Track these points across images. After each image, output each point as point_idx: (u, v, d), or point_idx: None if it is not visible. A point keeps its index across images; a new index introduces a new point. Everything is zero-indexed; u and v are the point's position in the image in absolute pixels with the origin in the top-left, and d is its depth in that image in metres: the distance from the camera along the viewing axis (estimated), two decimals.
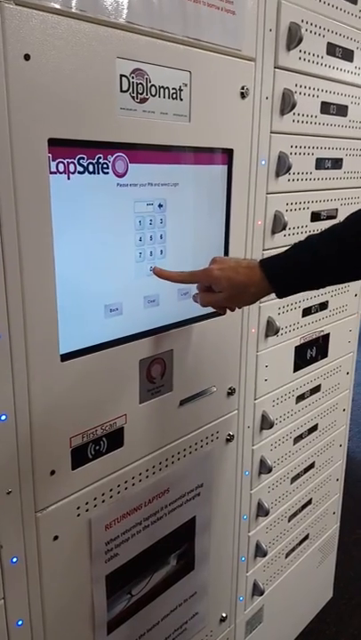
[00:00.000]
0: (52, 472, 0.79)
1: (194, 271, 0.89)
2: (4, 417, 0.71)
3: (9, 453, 0.73)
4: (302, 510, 1.45)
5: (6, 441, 0.72)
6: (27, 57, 0.64)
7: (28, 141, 0.66)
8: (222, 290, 0.85)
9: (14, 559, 0.77)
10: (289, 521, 1.40)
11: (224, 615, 1.25)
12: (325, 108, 1.14)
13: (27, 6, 0.63)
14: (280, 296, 0.85)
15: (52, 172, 0.70)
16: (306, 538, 1.50)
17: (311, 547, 1.54)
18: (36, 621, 0.82)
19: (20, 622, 0.80)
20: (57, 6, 0.66)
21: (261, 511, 1.26)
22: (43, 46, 0.65)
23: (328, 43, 1.10)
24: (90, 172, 0.76)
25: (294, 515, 1.42)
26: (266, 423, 1.21)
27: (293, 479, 1.38)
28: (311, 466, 1.44)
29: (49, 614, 0.83)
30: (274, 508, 1.32)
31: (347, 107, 1.21)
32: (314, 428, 1.41)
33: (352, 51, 1.18)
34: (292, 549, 1.45)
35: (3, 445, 0.72)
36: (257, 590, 1.33)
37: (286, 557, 1.44)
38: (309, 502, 1.47)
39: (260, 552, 1.29)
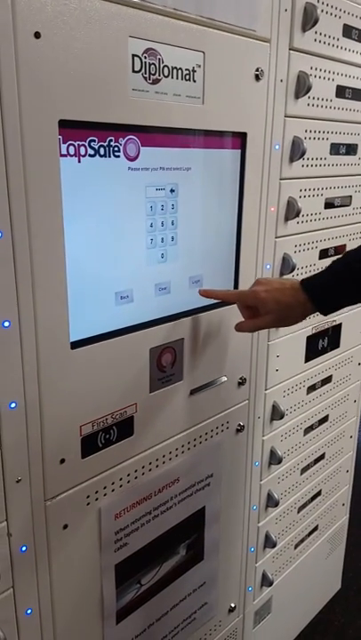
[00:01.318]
0: (62, 460, 0.78)
1: (240, 291, 0.93)
2: (13, 404, 0.70)
3: (19, 441, 0.72)
4: (312, 501, 1.44)
5: (16, 429, 0.71)
6: (37, 35, 0.62)
7: (38, 123, 0.64)
8: (269, 312, 0.85)
9: (23, 548, 0.76)
10: (298, 512, 1.39)
11: (233, 605, 1.24)
12: (341, 91, 1.11)
13: None
14: (324, 313, 0.85)
15: (62, 155, 0.68)
16: (315, 529, 1.49)
17: (320, 538, 1.53)
18: (45, 610, 0.81)
19: (29, 611, 0.79)
20: None
21: (271, 502, 1.25)
22: (54, 24, 0.63)
23: (344, 24, 1.07)
24: (101, 156, 0.74)
25: (304, 506, 1.41)
26: (276, 414, 1.19)
27: (303, 470, 1.36)
28: (321, 457, 1.42)
29: (58, 603, 0.83)
30: (284, 499, 1.31)
31: None
32: (324, 419, 1.39)
33: None
34: (302, 540, 1.44)
35: (12, 433, 0.71)
36: (266, 581, 1.32)
37: (295, 548, 1.43)
38: (319, 493, 1.46)
39: (269, 543, 1.29)
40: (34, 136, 0.64)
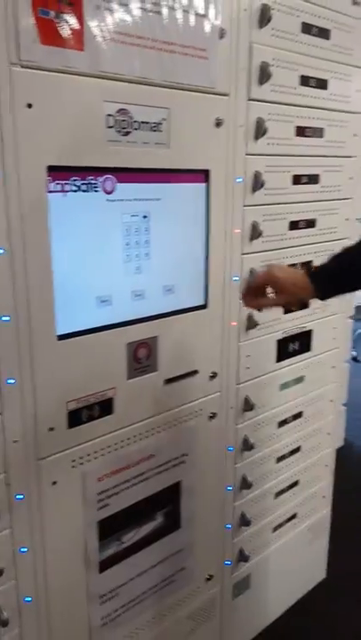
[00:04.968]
0: (51, 429, 0.99)
1: (258, 273, 1.08)
2: (12, 381, 0.92)
3: (15, 410, 0.93)
4: (289, 490, 1.59)
5: (13, 400, 0.93)
6: (29, 105, 0.85)
7: (31, 169, 0.87)
8: (282, 290, 1.00)
9: (19, 496, 0.97)
10: (275, 498, 1.55)
11: (211, 575, 1.41)
12: (300, 131, 1.31)
13: (31, 68, 0.84)
14: (322, 298, 1.02)
15: (50, 191, 0.91)
16: (294, 516, 1.64)
17: (300, 525, 1.68)
18: (37, 550, 1.02)
19: (23, 549, 1.00)
20: (55, 66, 0.86)
21: (245, 484, 1.42)
22: (43, 96, 0.86)
23: (301, 76, 1.27)
24: (83, 191, 0.96)
25: (280, 492, 1.57)
26: (248, 406, 1.37)
27: (279, 459, 1.52)
28: (297, 449, 1.58)
29: (49, 545, 1.03)
30: (259, 484, 1.47)
31: (323, 129, 1.37)
32: (299, 415, 1.55)
33: (326, 80, 1.34)
34: (280, 525, 1.60)
35: (10, 403, 0.92)
36: (243, 557, 1.48)
37: (274, 532, 1.58)
38: (296, 483, 1.62)
39: (244, 522, 1.45)
40: (27, 179, 0.87)
